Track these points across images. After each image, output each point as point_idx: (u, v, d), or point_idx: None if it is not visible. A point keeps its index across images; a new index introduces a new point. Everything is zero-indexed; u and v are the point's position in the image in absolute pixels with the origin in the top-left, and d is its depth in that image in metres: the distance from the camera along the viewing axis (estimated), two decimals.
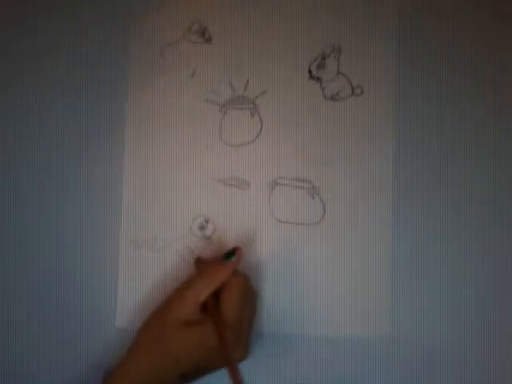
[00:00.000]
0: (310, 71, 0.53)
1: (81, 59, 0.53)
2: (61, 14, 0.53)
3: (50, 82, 0.53)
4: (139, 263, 0.52)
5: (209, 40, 0.53)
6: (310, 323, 0.51)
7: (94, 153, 0.53)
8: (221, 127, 0.53)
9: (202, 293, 0.45)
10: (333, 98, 0.53)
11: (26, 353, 0.52)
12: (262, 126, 0.53)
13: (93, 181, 0.53)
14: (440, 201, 0.52)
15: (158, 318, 0.46)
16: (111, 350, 0.52)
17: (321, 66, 0.52)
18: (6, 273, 0.52)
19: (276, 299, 0.52)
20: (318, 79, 0.53)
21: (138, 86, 0.53)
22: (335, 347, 0.51)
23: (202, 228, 0.52)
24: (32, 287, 0.52)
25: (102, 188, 0.53)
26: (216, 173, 0.53)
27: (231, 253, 0.47)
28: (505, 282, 0.51)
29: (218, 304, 0.45)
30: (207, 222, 0.52)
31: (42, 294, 0.52)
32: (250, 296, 0.47)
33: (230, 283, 0.46)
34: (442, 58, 0.53)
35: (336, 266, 0.52)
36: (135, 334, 0.46)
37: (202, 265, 0.49)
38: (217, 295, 0.46)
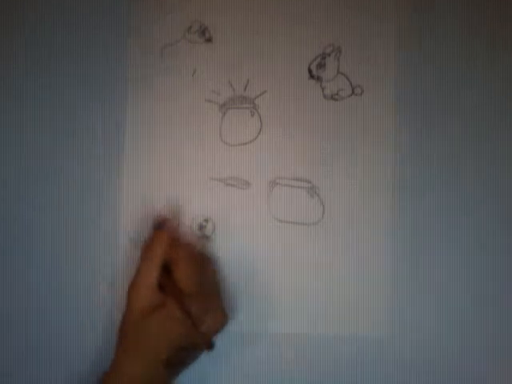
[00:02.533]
0: (309, 71, 0.53)
1: (81, 59, 0.53)
2: (60, 13, 0.54)
3: (49, 82, 0.53)
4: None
5: (209, 40, 0.53)
6: (309, 323, 0.51)
7: (94, 153, 0.53)
8: (221, 127, 0.53)
9: (150, 274, 0.46)
10: (333, 98, 0.53)
11: (25, 353, 0.52)
12: (261, 125, 0.53)
13: (92, 181, 0.53)
14: (440, 201, 0.52)
15: (126, 315, 0.46)
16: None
17: (321, 66, 0.52)
18: (5, 272, 0.52)
19: (275, 298, 0.52)
20: (318, 79, 0.53)
21: (138, 85, 0.53)
22: (335, 347, 0.51)
23: (201, 227, 0.52)
24: (32, 287, 0.52)
25: (101, 188, 0.53)
26: (216, 172, 0.53)
27: (160, 225, 0.49)
28: (505, 282, 0.51)
29: (173, 281, 0.46)
30: (207, 221, 0.52)
31: (42, 294, 0.52)
32: (202, 263, 0.48)
33: (177, 258, 0.46)
34: (441, 57, 0.52)
35: (335, 266, 0.52)
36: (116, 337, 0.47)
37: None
38: (170, 274, 0.47)
